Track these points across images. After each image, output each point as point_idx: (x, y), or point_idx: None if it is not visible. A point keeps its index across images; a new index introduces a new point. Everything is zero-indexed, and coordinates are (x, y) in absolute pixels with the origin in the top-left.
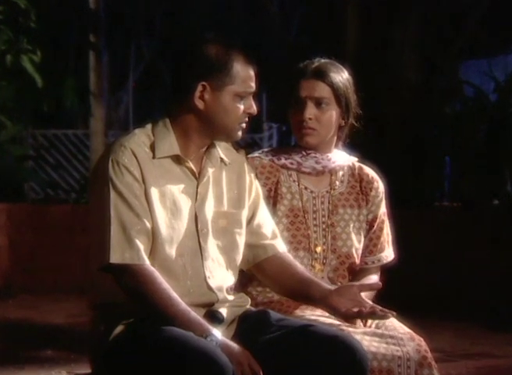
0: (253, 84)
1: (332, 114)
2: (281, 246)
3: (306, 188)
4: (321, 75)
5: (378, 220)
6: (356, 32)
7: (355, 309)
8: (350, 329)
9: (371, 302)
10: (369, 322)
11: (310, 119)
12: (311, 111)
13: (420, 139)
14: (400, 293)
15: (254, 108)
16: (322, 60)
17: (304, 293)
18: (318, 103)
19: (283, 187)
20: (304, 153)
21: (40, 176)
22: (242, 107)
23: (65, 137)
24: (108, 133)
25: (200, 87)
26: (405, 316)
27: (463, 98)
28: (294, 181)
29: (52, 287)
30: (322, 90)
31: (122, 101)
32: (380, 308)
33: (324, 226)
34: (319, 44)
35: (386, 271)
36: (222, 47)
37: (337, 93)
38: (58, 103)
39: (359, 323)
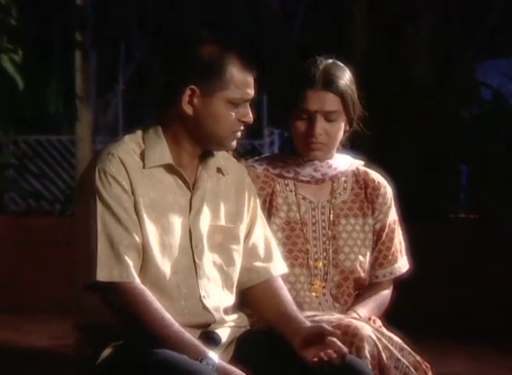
0: (249, 91)
1: (341, 125)
2: (277, 268)
3: (304, 198)
4: (329, 85)
5: (387, 230)
6: (364, 29)
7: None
8: (358, 323)
9: (342, 348)
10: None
11: (320, 134)
12: (321, 125)
13: (433, 145)
14: (411, 311)
15: (250, 117)
16: (326, 62)
17: (280, 331)
18: (328, 117)
19: (279, 197)
20: (301, 160)
21: (22, 186)
22: (235, 115)
23: (49, 143)
24: (96, 140)
25: (188, 91)
26: (417, 336)
27: (480, 100)
28: (291, 191)
29: (34, 307)
30: (333, 102)
31: (110, 105)
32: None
33: (324, 238)
34: (324, 42)
35: (398, 287)
36: (216, 47)
37: (346, 102)
38: (41, 107)
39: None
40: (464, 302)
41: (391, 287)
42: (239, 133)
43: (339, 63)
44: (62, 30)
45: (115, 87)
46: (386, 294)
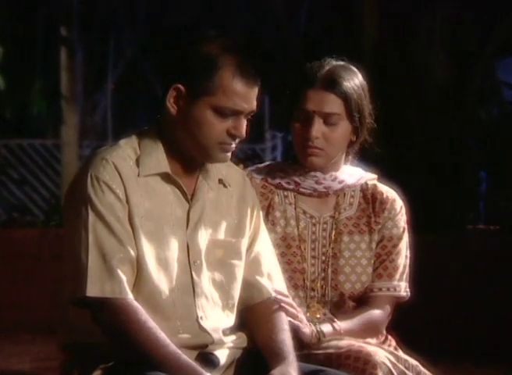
0: (242, 103)
1: (343, 131)
2: (277, 286)
3: (304, 213)
4: (332, 85)
5: (389, 243)
6: (374, 24)
7: None
8: (370, 348)
9: None
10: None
11: (317, 138)
12: (318, 128)
13: (450, 150)
14: (424, 332)
15: (241, 132)
16: (332, 62)
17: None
18: (328, 119)
19: (277, 211)
20: (302, 171)
21: (2, 195)
22: (224, 125)
23: (32, 148)
24: (83, 144)
25: (173, 90)
26: (433, 359)
27: (501, 101)
28: (290, 204)
29: (15, 326)
30: (333, 104)
31: (99, 106)
32: None
33: (324, 257)
34: (331, 38)
35: (411, 304)
36: (214, 48)
37: (350, 106)
38: (23, 108)
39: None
40: (484, 321)
41: (387, 310)
42: (228, 146)
43: (350, 66)
44: (45, 25)
45: (104, 86)
46: (378, 314)
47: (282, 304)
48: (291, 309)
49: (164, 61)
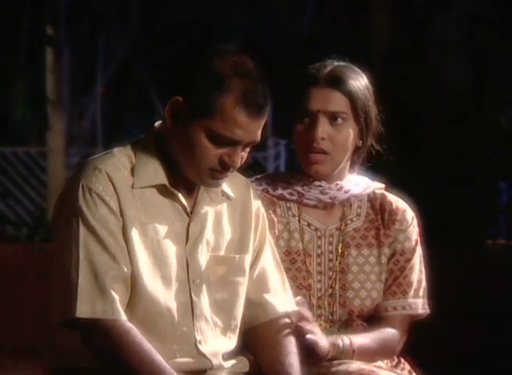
0: (240, 133)
1: (349, 133)
2: (287, 304)
3: (309, 225)
4: (337, 82)
5: (402, 258)
6: (385, 23)
7: None
8: (383, 373)
9: None
10: None
11: (322, 138)
12: (324, 128)
13: (467, 159)
14: (440, 355)
15: (234, 161)
16: (336, 62)
17: None
18: (333, 119)
19: (280, 223)
20: (306, 181)
21: None
22: (217, 152)
23: (15, 156)
24: (70, 152)
25: (172, 102)
26: None
27: None
28: (294, 216)
29: None
30: (339, 101)
31: (87, 111)
32: None
33: (331, 272)
34: (337, 38)
35: (426, 323)
36: (224, 67)
37: (356, 106)
38: (5, 113)
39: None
40: (503, 341)
41: (402, 330)
42: (219, 174)
43: (353, 67)
44: (30, 23)
45: (94, 89)
46: (393, 333)
47: (300, 323)
48: (308, 326)
49: (167, 67)
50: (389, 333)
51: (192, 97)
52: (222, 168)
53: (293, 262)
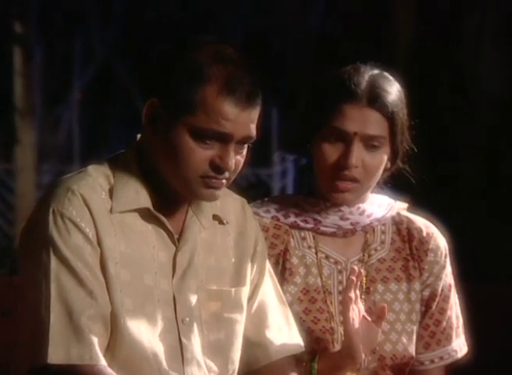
0: (228, 126)
1: (384, 159)
2: (292, 345)
3: (327, 257)
4: (377, 101)
5: (438, 298)
6: (410, 19)
7: None
8: None
9: None
10: None
11: (356, 167)
12: (359, 155)
13: (506, 176)
14: None
15: (227, 163)
16: (371, 71)
17: None
18: (369, 142)
19: (294, 257)
20: (322, 206)
21: None
22: (205, 153)
23: None
24: (42, 169)
25: (148, 106)
26: None
27: None
28: (310, 248)
29: None
30: (379, 125)
31: (62, 121)
32: None
33: None
34: (355, 35)
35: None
36: (203, 56)
37: (395, 129)
38: None
39: None
40: None
41: None
42: (213, 181)
43: (388, 75)
44: None
45: (69, 96)
46: None
47: None
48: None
49: (142, 67)
50: None
51: (169, 95)
52: (215, 173)
53: (313, 302)
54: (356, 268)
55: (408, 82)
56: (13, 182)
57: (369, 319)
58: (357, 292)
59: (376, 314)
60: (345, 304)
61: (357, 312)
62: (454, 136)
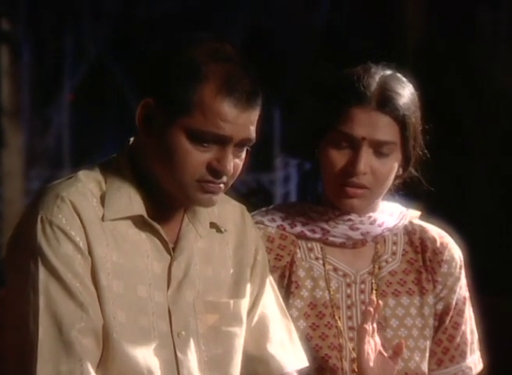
0: (227, 128)
1: (394, 165)
2: (295, 359)
3: (336, 270)
4: (388, 104)
5: (452, 312)
6: (420, 14)
7: None
8: None
9: None
10: None
11: (365, 173)
12: (367, 161)
13: None
14: None
15: (225, 166)
16: (382, 71)
17: None
18: (379, 148)
19: (300, 269)
20: (331, 214)
21: None
22: (202, 156)
23: None
24: (30, 174)
25: (142, 106)
26: None
27: None
28: (317, 259)
29: None
30: (389, 130)
31: (52, 124)
32: None
33: None
34: (362, 32)
35: None
36: (199, 54)
37: (407, 134)
38: None
39: None
40: None
41: None
42: (211, 186)
43: (400, 77)
44: None
45: (60, 97)
46: None
47: None
48: None
49: (136, 66)
50: None
51: (164, 95)
52: (213, 176)
53: (321, 317)
54: (374, 299)
55: (419, 83)
56: (0, 188)
57: (385, 354)
58: (374, 326)
59: (393, 350)
60: (360, 336)
61: (373, 346)
62: (468, 137)
